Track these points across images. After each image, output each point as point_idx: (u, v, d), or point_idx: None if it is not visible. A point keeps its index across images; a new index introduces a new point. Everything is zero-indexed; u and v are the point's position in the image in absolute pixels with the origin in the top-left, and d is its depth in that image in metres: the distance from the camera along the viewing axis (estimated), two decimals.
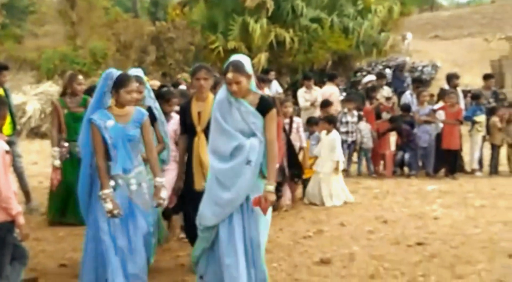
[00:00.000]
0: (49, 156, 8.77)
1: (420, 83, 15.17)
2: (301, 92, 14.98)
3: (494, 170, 13.31)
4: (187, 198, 6.58)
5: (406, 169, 13.60)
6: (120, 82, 5.67)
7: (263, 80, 10.49)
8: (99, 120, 5.66)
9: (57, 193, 8.67)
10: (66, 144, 8.66)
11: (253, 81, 5.59)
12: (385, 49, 26.05)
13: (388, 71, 24.16)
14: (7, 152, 5.41)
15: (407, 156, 13.39)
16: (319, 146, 10.71)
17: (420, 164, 13.54)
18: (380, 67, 26.41)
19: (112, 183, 5.71)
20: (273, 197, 5.35)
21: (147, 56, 25.83)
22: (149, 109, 6.95)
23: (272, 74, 15.60)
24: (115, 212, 5.52)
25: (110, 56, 25.64)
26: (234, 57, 5.66)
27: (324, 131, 10.82)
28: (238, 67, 5.44)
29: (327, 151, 10.60)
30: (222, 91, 5.62)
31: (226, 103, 5.53)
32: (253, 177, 5.41)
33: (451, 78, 14.09)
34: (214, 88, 8.88)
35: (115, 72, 5.76)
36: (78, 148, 8.43)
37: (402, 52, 28.91)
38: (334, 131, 10.80)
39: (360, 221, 9.08)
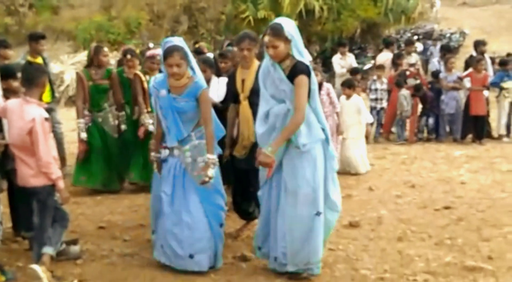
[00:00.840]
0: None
1: (447, 50, 15.09)
2: (336, 59, 15.01)
3: None
4: (230, 166, 6.60)
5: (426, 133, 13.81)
6: (163, 56, 5.66)
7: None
8: (153, 88, 5.82)
9: (83, 161, 8.94)
10: (88, 114, 8.95)
11: (299, 46, 5.46)
12: (414, 17, 25.87)
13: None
14: (46, 118, 5.60)
15: (430, 121, 13.49)
16: (341, 112, 10.18)
17: (447, 129, 13.59)
18: (409, 34, 26.28)
19: (165, 152, 5.86)
20: (268, 159, 5.26)
21: (180, 26, 25.93)
22: None
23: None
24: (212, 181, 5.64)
25: (144, 26, 25.76)
26: (277, 19, 5.63)
27: (343, 97, 10.61)
28: (276, 31, 5.33)
29: (351, 116, 10.42)
30: (267, 55, 5.53)
31: (266, 67, 5.52)
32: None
33: (478, 45, 14.07)
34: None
35: (167, 43, 5.75)
36: (101, 118, 9.00)
37: (430, 20, 28.68)
38: (355, 95, 10.60)
39: (388, 185, 9.22)
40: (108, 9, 27.84)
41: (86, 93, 8.90)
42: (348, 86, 10.66)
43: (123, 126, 9.14)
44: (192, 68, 5.82)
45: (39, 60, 9.33)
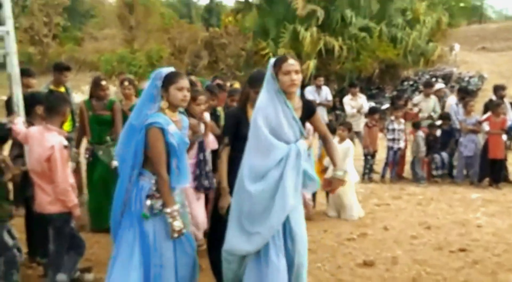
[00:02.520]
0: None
1: (466, 93, 15.12)
2: (347, 100, 15.08)
3: None
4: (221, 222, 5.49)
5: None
6: (169, 79, 4.89)
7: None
8: (161, 126, 4.83)
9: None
10: (89, 147, 8.76)
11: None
12: (433, 59, 26.07)
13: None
14: (65, 146, 5.70)
15: (444, 155, 13.54)
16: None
17: (464, 172, 13.57)
18: (427, 76, 26.36)
19: (176, 198, 4.98)
20: (339, 183, 5.15)
21: (200, 61, 26.25)
22: None
23: (321, 80, 15.62)
24: (184, 231, 4.91)
25: (165, 60, 26.11)
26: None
27: (336, 139, 9.97)
28: (294, 58, 5.00)
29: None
30: (268, 90, 4.95)
31: (271, 105, 4.89)
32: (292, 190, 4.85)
33: (498, 89, 14.09)
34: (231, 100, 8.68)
35: (165, 71, 5.00)
36: (101, 151, 8.67)
37: (449, 63, 28.79)
38: (348, 140, 10.12)
39: (403, 226, 9.16)
40: (130, 42, 28.28)
41: (86, 124, 8.77)
42: (348, 128, 10.34)
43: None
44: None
45: (62, 90, 9.42)
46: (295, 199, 4.88)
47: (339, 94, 23.97)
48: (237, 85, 13.57)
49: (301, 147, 4.97)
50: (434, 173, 13.62)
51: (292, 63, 4.84)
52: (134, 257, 4.82)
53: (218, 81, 12.17)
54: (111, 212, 5.10)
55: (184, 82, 4.94)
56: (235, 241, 4.88)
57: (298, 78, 4.86)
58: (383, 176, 13.71)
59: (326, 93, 15.45)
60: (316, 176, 5.15)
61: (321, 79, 15.57)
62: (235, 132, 5.68)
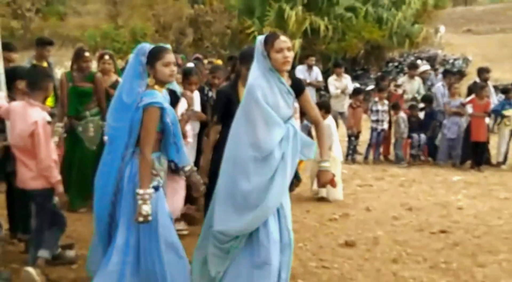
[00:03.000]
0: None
1: (452, 75, 15.15)
2: (331, 80, 15.04)
3: None
4: None
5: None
6: (154, 55, 4.69)
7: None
8: (164, 104, 4.72)
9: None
10: (66, 121, 8.37)
11: None
12: (418, 41, 26.09)
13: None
14: (48, 122, 5.65)
15: (422, 137, 13.68)
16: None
17: (447, 154, 13.65)
18: (412, 58, 26.38)
19: (156, 181, 4.75)
20: (327, 175, 4.94)
21: (185, 38, 26.13)
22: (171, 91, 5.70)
23: (313, 59, 15.42)
24: (150, 218, 4.58)
25: (149, 36, 25.94)
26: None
27: None
28: (284, 34, 4.81)
29: None
30: (259, 68, 4.72)
31: (267, 82, 4.68)
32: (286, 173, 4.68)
33: (482, 72, 14.13)
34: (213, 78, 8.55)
35: (148, 46, 4.81)
36: (81, 127, 8.32)
37: (434, 45, 28.79)
38: (329, 118, 9.78)
39: (385, 207, 9.22)
40: (114, 18, 28.10)
41: (64, 95, 8.46)
42: (320, 107, 10.06)
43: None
44: None
45: (44, 65, 9.33)
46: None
47: (324, 75, 23.93)
48: (219, 62, 13.52)
49: (296, 126, 4.87)
50: (413, 152, 13.70)
51: (284, 40, 4.66)
52: (131, 238, 4.73)
53: (198, 55, 12.13)
54: (97, 193, 4.87)
55: (170, 56, 4.75)
56: (227, 220, 4.67)
57: (291, 55, 4.68)
58: (366, 157, 13.76)
59: (317, 73, 15.35)
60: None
61: (313, 59, 15.44)
62: (226, 111, 5.60)
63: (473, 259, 6.78)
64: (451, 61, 26.49)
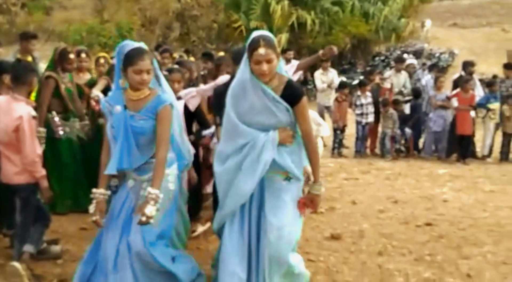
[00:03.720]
0: None
1: (438, 69, 15.23)
2: (318, 74, 15.07)
3: (504, 156, 13.41)
4: None
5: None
6: (127, 59, 4.50)
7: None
8: (107, 104, 4.70)
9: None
10: (63, 123, 7.94)
11: (281, 61, 4.68)
12: (404, 35, 26.19)
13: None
14: (33, 117, 5.64)
15: (407, 130, 13.71)
16: None
17: (433, 147, 13.71)
18: (398, 52, 26.44)
19: (114, 181, 4.81)
20: (319, 199, 4.77)
21: (171, 33, 26.08)
22: None
23: (291, 53, 15.40)
24: (94, 218, 4.61)
25: (136, 31, 25.85)
26: (260, 31, 4.66)
27: None
28: (270, 42, 4.46)
29: None
30: (241, 73, 4.62)
31: (241, 88, 4.60)
32: (259, 177, 4.58)
33: (467, 66, 14.18)
34: (217, 70, 8.05)
35: (128, 45, 4.60)
36: (68, 128, 7.89)
37: (420, 39, 28.87)
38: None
39: (371, 200, 9.23)
40: (100, 12, 27.96)
41: (65, 98, 7.90)
42: None
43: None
44: (158, 78, 4.86)
45: (29, 59, 9.29)
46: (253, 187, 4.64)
47: (310, 69, 23.97)
48: (221, 53, 13.44)
49: (273, 137, 4.57)
50: (397, 146, 13.75)
51: (261, 53, 4.38)
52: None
53: (166, 47, 12.04)
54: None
55: (144, 64, 4.48)
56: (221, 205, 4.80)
57: (270, 67, 4.43)
58: (358, 151, 13.80)
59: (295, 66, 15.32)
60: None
61: (291, 53, 15.35)
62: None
63: (458, 251, 6.80)
64: (437, 55, 26.56)
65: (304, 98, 4.63)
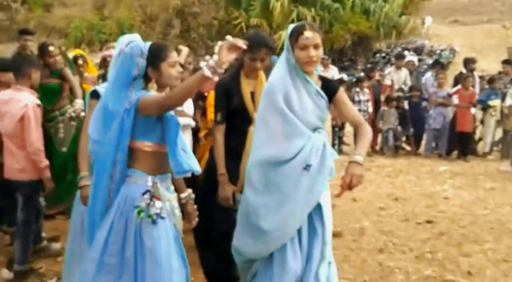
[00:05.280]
0: None
1: (441, 66, 15.25)
2: (318, 71, 15.02)
3: (505, 154, 13.40)
4: (216, 210, 4.81)
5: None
6: (159, 54, 3.81)
7: None
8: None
9: None
10: None
11: None
12: (405, 32, 26.18)
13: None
14: (38, 105, 5.65)
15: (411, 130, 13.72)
16: None
17: (433, 145, 13.72)
18: (399, 49, 26.46)
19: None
20: (360, 170, 3.91)
21: (172, 29, 26.03)
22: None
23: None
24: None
25: (136, 28, 25.83)
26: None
27: None
28: (315, 27, 4.03)
29: None
30: (284, 61, 4.07)
31: (290, 80, 4.01)
32: (312, 188, 3.98)
33: (468, 63, 14.17)
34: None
35: (143, 44, 3.87)
36: (52, 129, 7.59)
37: (421, 36, 28.87)
38: None
39: (372, 197, 9.25)
40: (100, 9, 27.95)
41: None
42: None
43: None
44: None
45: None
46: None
47: None
48: None
49: (324, 137, 4.10)
50: (397, 143, 13.77)
51: (308, 36, 3.90)
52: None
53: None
54: (89, 212, 3.90)
55: (175, 55, 3.91)
56: (242, 239, 4.10)
57: (317, 54, 3.97)
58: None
59: None
60: None
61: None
62: (228, 106, 4.77)
63: (459, 248, 6.81)
64: (438, 52, 26.57)
65: (342, 89, 4.23)
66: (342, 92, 4.18)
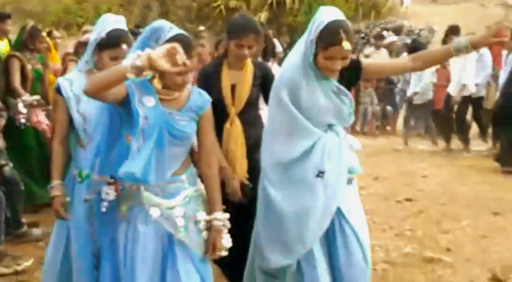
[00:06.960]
0: None
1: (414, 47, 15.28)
2: None
3: (483, 132, 13.44)
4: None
5: None
6: (162, 38, 3.36)
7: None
8: (133, 85, 3.18)
9: None
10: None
11: None
12: (384, 12, 26.13)
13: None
14: None
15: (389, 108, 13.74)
16: None
17: (412, 123, 13.77)
18: (378, 29, 26.46)
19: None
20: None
21: (150, 13, 25.83)
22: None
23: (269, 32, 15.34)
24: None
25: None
26: (329, 10, 3.65)
27: None
28: (349, 32, 3.50)
29: None
30: (300, 52, 3.59)
31: (302, 73, 3.53)
32: (329, 202, 3.63)
33: (445, 42, 14.19)
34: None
35: (159, 27, 3.54)
36: None
37: (400, 15, 28.88)
38: None
39: None
40: None
41: (28, 80, 7.15)
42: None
43: None
44: None
45: (5, 41, 9.17)
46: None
47: (290, 47, 23.94)
48: (201, 27, 13.29)
49: (343, 135, 3.80)
50: (377, 123, 13.85)
51: (346, 48, 3.40)
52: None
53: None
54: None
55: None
56: (268, 252, 3.67)
57: (343, 64, 3.50)
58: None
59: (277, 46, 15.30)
60: None
61: (269, 32, 15.33)
62: None
63: (438, 226, 6.89)
64: (416, 31, 26.58)
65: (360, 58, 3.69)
66: (365, 61, 3.82)
